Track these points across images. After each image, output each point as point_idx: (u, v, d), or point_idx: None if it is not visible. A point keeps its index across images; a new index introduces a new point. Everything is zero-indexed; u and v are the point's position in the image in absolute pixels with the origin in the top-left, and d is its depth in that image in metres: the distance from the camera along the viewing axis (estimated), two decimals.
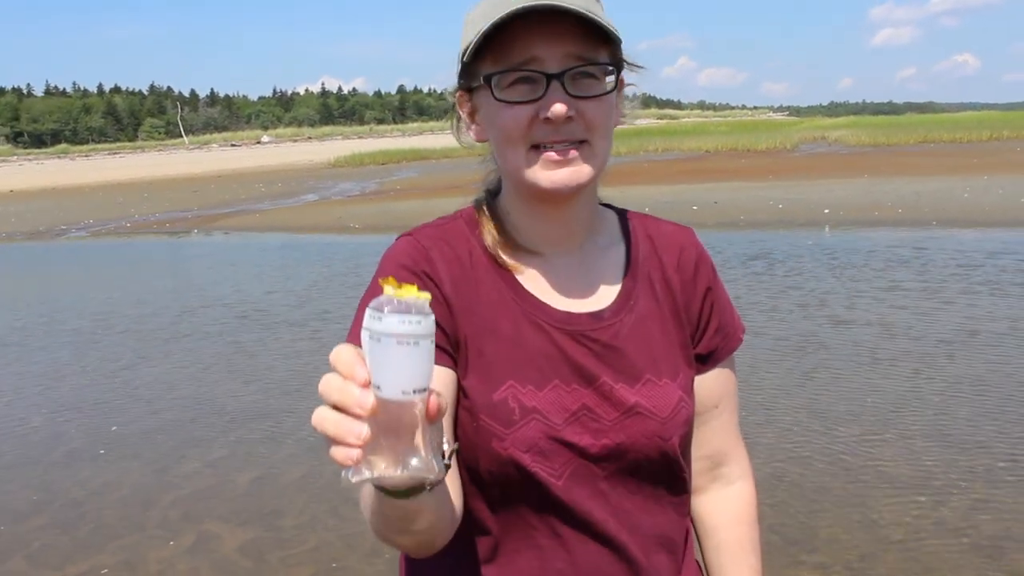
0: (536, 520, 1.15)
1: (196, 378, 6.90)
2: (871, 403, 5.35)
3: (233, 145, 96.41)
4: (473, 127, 1.18)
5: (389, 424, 0.73)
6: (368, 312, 0.72)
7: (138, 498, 4.64)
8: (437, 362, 1.06)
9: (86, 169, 55.21)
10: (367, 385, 0.72)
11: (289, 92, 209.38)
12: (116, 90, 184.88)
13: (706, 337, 1.25)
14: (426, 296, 0.73)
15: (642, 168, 25.07)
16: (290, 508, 4.39)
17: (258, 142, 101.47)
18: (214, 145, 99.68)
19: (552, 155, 1.08)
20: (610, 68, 1.09)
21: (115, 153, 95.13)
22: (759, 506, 1.35)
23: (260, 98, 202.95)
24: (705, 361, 1.25)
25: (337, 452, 0.72)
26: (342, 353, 0.73)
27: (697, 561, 1.32)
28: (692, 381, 1.23)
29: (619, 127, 1.21)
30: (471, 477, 1.14)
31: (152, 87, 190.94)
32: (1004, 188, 15.68)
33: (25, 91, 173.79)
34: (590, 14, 1.02)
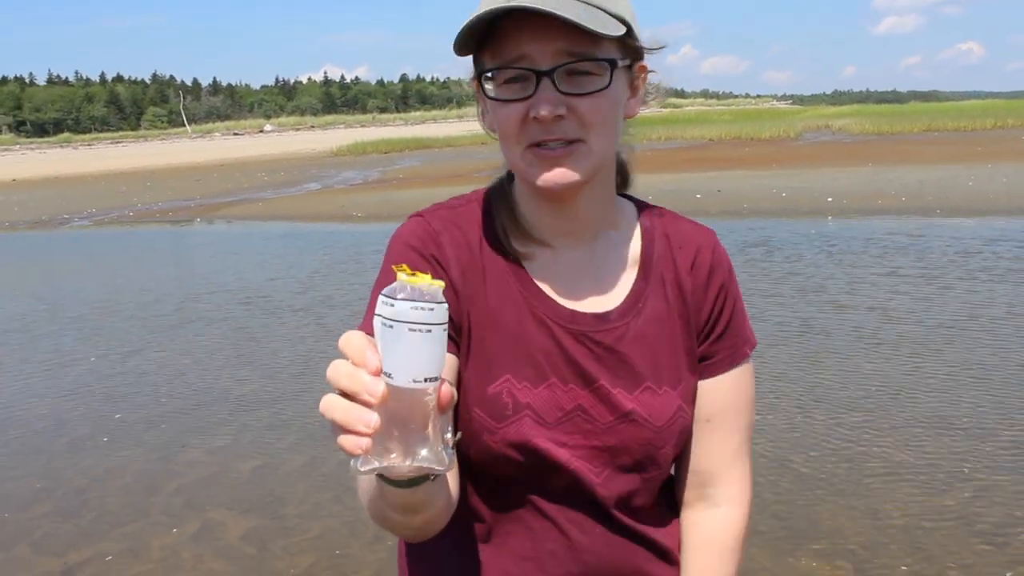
0: (526, 505, 1.17)
1: (199, 365, 6.91)
2: (874, 390, 5.34)
3: (236, 134, 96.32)
4: (487, 116, 1.15)
5: (399, 413, 0.72)
6: (381, 298, 0.71)
7: (141, 486, 4.65)
8: None
9: (89, 158, 55.20)
10: (378, 373, 0.71)
11: (292, 81, 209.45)
12: (119, 79, 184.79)
13: (708, 343, 1.21)
14: (440, 283, 0.72)
15: (645, 156, 25.00)
16: (293, 496, 4.39)
17: (261, 131, 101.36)
18: (217, 134, 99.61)
19: (545, 154, 1.06)
20: (608, 62, 1.04)
21: (118, 142, 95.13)
22: (748, 528, 1.26)
23: (263, 87, 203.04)
24: (703, 368, 1.21)
25: (345, 441, 0.71)
26: (352, 339, 0.72)
27: None
28: (695, 389, 1.20)
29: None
30: (463, 463, 1.15)
31: (155, 76, 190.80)
32: (1008, 176, 15.62)
33: (28, 80, 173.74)
34: (565, 15, 0.97)
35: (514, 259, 1.17)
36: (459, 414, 1.13)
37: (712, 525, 1.24)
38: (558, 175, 1.06)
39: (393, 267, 0.74)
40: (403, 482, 0.81)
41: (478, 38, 1.04)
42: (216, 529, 4.10)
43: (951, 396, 5.18)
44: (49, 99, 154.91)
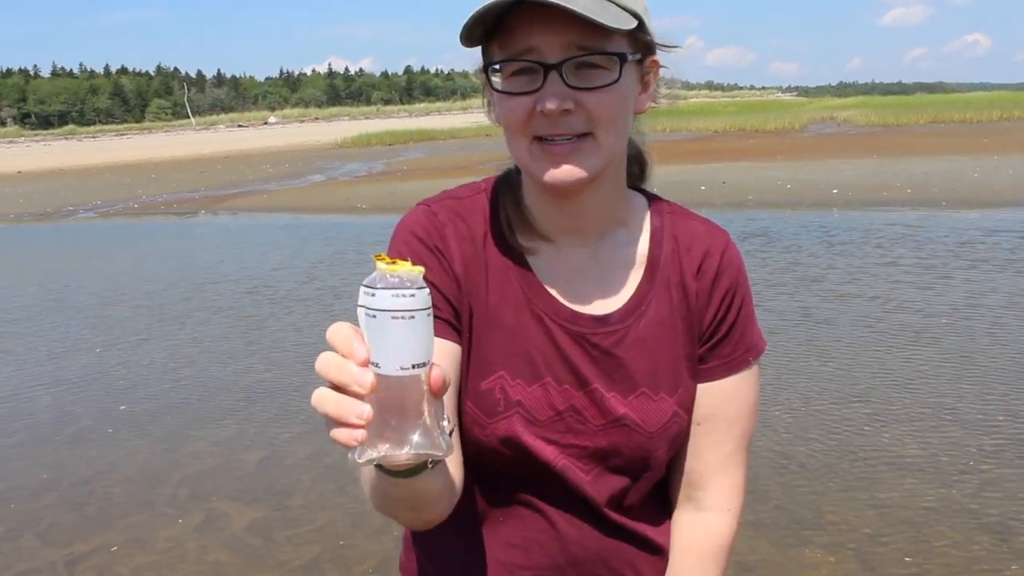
0: (517, 496, 1.18)
1: (204, 357, 6.92)
2: (879, 383, 5.34)
3: (240, 126, 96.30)
4: (493, 109, 1.13)
5: (391, 402, 0.72)
6: (362, 289, 0.71)
7: (147, 477, 4.66)
8: (443, 336, 1.06)
9: (93, 150, 55.24)
10: (366, 363, 0.70)
11: (296, 73, 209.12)
12: (123, 71, 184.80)
13: (706, 347, 1.18)
14: (419, 269, 0.72)
15: (651, 148, 24.84)
16: (298, 487, 4.40)
17: (265, 123, 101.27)
18: (221, 126, 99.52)
19: (551, 149, 1.04)
20: (618, 56, 1.02)
21: (122, 134, 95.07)
22: (734, 536, 1.22)
23: (267, 79, 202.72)
24: (699, 372, 1.18)
25: (339, 434, 0.71)
26: (339, 330, 0.72)
27: None
28: (695, 394, 1.19)
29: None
30: (463, 452, 1.16)
31: (159, 68, 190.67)
32: (1015, 168, 15.57)
33: (32, 72, 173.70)
34: (575, 8, 0.95)
35: (518, 254, 1.15)
36: (460, 405, 1.14)
37: (695, 530, 1.21)
38: (564, 172, 1.05)
39: (373, 256, 0.73)
40: (402, 471, 0.80)
41: (486, 29, 1.02)
42: (221, 520, 4.11)
43: (956, 388, 5.17)
44: (53, 91, 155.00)
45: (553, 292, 1.15)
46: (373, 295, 0.70)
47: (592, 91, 1.02)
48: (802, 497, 3.94)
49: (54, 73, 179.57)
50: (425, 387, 0.73)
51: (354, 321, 0.74)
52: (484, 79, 1.10)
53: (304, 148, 43.10)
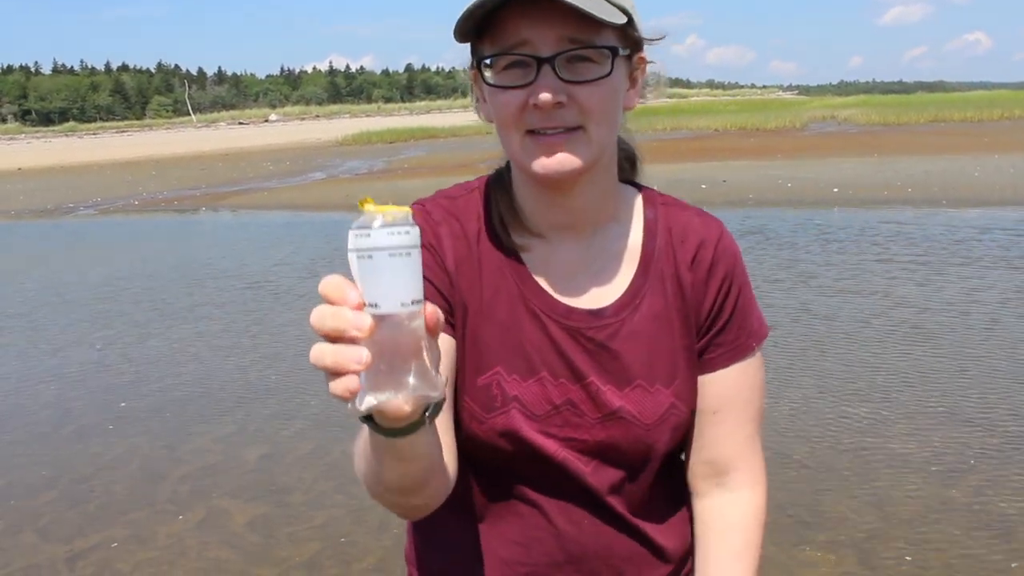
0: (517, 491, 1.19)
1: (205, 352, 6.92)
2: (880, 381, 5.34)
3: (241, 123, 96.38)
4: (484, 106, 1.13)
5: (389, 344, 0.71)
6: (353, 232, 0.71)
7: (147, 473, 4.67)
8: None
9: (94, 147, 55.26)
10: (361, 307, 0.70)
11: (297, 70, 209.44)
12: (124, 68, 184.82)
13: (708, 337, 1.18)
14: (407, 208, 0.72)
15: (650, 147, 24.79)
16: (299, 484, 4.40)
17: (266, 120, 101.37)
18: (221, 123, 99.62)
19: (544, 141, 1.05)
20: (610, 49, 1.03)
21: (123, 131, 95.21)
22: (767, 510, 1.26)
23: (268, 76, 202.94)
24: (704, 363, 1.19)
25: (337, 386, 0.70)
26: (331, 280, 0.71)
27: None
28: (693, 384, 1.19)
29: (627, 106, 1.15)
30: (460, 446, 1.15)
31: (160, 65, 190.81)
32: (1016, 167, 15.56)
33: (33, 69, 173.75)
34: (568, 0, 0.96)
35: (511, 251, 1.16)
36: (458, 400, 1.14)
37: (733, 509, 1.23)
38: (557, 162, 1.05)
39: (359, 201, 0.73)
40: (400, 429, 0.80)
41: (477, 24, 1.03)
42: (221, 517, 4.11)
43: (958, 387, 5.17)
44: (54, 88, 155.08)
45: (547, 287, 1.16)
46: (368, 235, 0.70)
47: (584, 84, 1.03)
48: (803, 496, 3.94)
49: (55, 70, 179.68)
50: (422, 326, 0.72)
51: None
52: (475, 75, 1.11)
53: (305, 146, 43.12)
